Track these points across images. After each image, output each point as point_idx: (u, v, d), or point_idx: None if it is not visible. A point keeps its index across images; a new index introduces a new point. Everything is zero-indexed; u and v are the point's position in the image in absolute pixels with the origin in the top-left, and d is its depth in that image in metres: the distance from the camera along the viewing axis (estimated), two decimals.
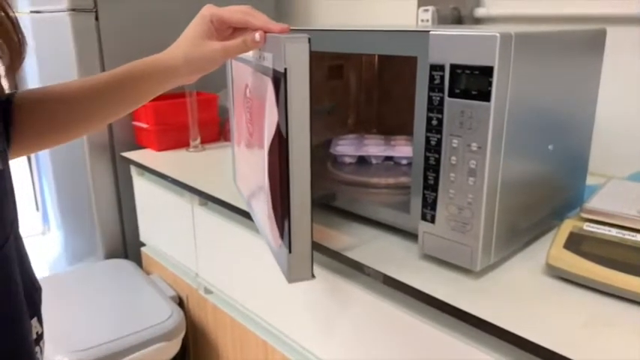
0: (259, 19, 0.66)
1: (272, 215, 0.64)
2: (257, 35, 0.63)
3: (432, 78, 0.62)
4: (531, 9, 1.08)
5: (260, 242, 0.93)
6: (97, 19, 1.27)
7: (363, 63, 1.17)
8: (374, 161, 0.96)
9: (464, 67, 0.58)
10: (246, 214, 0.89)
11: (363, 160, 0.97)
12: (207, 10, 0.65)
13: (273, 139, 0.61)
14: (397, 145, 0.98)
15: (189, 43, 0.65)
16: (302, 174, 0.58)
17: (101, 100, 0.62)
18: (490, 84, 0.57)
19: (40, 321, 0.55)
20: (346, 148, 0.97)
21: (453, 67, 0.59)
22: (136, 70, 0.63)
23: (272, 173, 0.62)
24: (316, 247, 0.76)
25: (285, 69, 0.54)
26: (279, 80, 0.56)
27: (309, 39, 0.55)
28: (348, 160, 0.96)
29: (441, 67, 0.60)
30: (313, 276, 0.63)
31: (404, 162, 0.94)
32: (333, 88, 1.10)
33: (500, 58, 0.56)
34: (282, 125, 0.57)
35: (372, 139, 1.03)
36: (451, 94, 0.60)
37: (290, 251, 0.60)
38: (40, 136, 0.60)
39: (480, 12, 1.16)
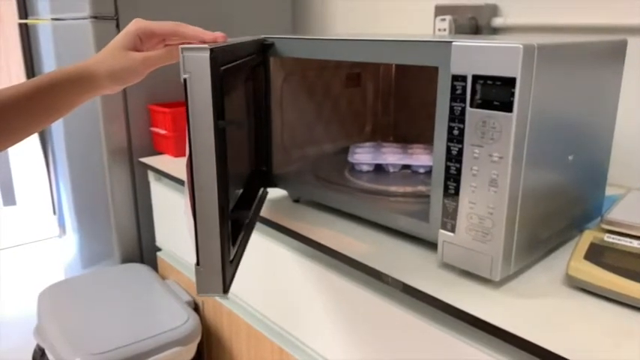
0: (191, 28, 0.66)
1: (192, 225, 0.63)
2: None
3: (453, 88, 0.62)
4: (549, 19, 1.09)
5: (275, 248, 0.93)
6: (117, 26, 1.29)
7: (381, 71, 1.17)
8: (391, 169, 0.96)
9: (486, 78, 0.59)
10: (262, 220, 0.90)
11: (380, 169, 0.97)
12: (135, 24, 0.66)
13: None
14: (415, 153, 0.99)
15: (111, 54, 0.65)
16: (207, 189, 0.57)
17: (18, 111, 0.59)
18: (512, 95, 0.57)
19: None
20: (364, 156, 0.98)
21: (475, 77, 0.60)
22: (55, 80, 0.62)
23: (189, 186, 0.61)
24: (334, 254, 0.77)
25: (185, 79, 0.54)
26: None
27: (212, 49, 0.54)
28: (365, 168, 0.97)
29: (463, 78, 0.61)
30: (225, 292, 0.60)
31: (421, 170, 0.94)
32: (350, 96, 1.10)
33: (523, 69, 0.56)
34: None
35: (389, 147, 1.03)
36: (473, 105, 0.61)
37: (198, 263, 0.59)
38: None
39: (497, 22, 1.16)
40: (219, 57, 0.56)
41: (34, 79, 0.61)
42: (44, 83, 0.61)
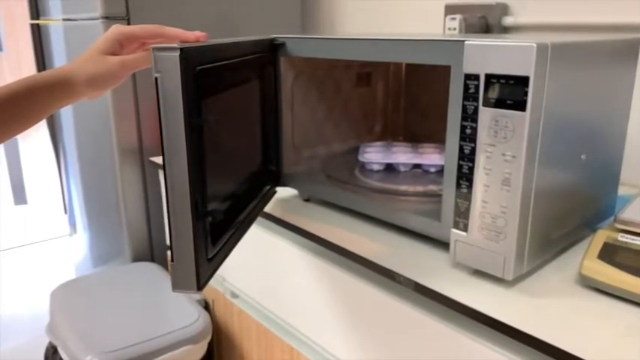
0: (172, 30, 0.67)
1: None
2: None
3: (466, 87, 0.62)
4: (560, 18, 1.08)
5: (285, 247, 0.94)
6: None
7: (391, 71, 1.17)
8: (402, 169, 0.96)
9: (499, 77, 0.59)
10: (272, 219, 0.90)
11: (390, 168, 0.97)
12: (114, 29, 0.66)
13: None
14: (425, 152, 0.99)
15: (89, 59, 0.65)
16: (179, 189, 0.58)
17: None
18: (526, 94, 0.57)
19: None
20: (374, 155, 0.98)
21: (488, 76, 0.60)
22: (32, 86, 0.61)
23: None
24: (345, 253, 0.77)
25: (156, 78, 0.55)
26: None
27: (182, 49, 0.55)
28: (376, 167, 0.97)
29: (476, 77, 0.61)
30: (199, 288, 0.61)
31: (432, 170, 0.94)
32: (360, 96, 1.10)
33: (536, 68, 0.56)
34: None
35: (399, 146, 1.03)
36: (486, 104, 0.61)
37: (172, 260, 0.60)
38: None
39: (508, 20, 1.16)
40: (192, 57, 0.57)
41: (11, 83, 0.60)
42: (21, 88, 0.60)
